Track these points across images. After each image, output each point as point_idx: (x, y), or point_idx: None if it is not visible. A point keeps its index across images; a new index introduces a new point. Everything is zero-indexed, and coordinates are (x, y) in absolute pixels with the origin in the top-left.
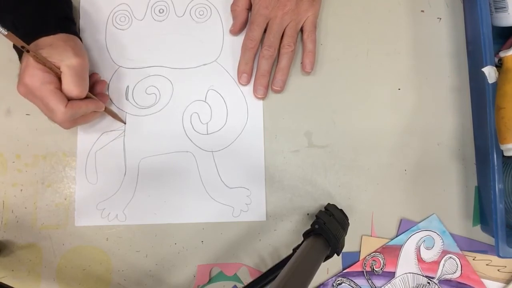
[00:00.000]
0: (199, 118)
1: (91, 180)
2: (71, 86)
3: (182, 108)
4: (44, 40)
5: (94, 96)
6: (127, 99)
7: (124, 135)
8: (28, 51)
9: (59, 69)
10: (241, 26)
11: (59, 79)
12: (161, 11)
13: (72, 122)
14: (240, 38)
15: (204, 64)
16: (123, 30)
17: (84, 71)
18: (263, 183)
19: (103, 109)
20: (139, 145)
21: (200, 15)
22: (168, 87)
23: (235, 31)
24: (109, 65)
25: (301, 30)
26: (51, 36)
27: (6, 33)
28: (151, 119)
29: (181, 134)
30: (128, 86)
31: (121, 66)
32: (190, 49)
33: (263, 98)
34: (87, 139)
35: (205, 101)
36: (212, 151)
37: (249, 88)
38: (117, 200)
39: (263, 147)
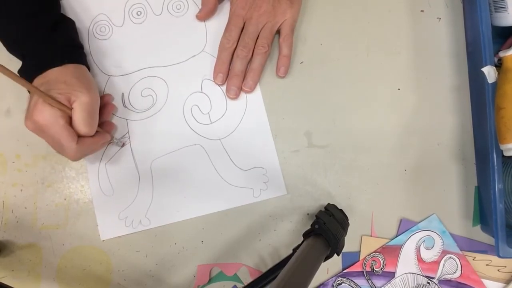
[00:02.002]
0: (199, 109)
1: (107, 192)
2: (81, 124)
3: (181, 103)
4: (53, 73)
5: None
6: (124, 106)
7: (130, 142)
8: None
9: (69, 107)
10: (207, 13)
11: (67, 114)
12: (138, 13)
13: (81, 156)
14: (223, 22)
15: (193, 56)
16: (105, 39)
17: (95, 108)
18: (276, 158)
19: (110, 139)
20: (147, 148)
21: (178, 9)
22: (162, 86)
23: (201, 17)
24: (99, 76)
25: (279, 33)
26: (60, 69)
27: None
28: (153, 120)
29: (186, 129)
30: (123, 94)
31: (111, 76)
32: (175, 44)
33: (235, 98)
34: (94, 154)
35: (201, 92)
36: (219, 139)
37: None
38: (138, 206)
39: (268, 123)
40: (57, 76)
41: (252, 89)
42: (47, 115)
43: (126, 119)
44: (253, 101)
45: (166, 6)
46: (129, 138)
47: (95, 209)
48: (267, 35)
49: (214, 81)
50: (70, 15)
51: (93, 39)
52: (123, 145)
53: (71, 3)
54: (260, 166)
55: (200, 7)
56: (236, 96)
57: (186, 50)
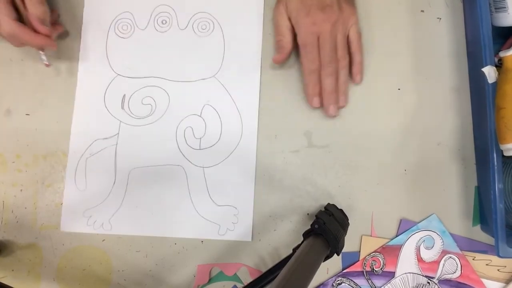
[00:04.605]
0: (193, 132)
1: (80, 186)
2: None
3: (177, 121)
4: None
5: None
6: (122, 108)
7: (116, 144)
8: None
9: None
10: (287, 56)
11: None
12: (164, 22)
13: (18, 43)
14: (242, 57)
15: (202, 79)
16: (124, 38)
17: None
18: (251, 203)
19: (55, 49)
20: (131, 155)
21: (203, 29)
22: (164, 99)
23: (278, 59)
24: (107, 71)
25: (348, 39)
26: None
27: None
28: (145, 130)
29: (174, 148)
30: (124, 95)
31: (119, 74)
32: (189, 63)
33: (336, 115)
34: (80, 144)
35: (200, 116)
36: (203, 167)
37: (246, 107)
38: (104, 209)
39: (255, 168)
40: None
41: (346, 103)
42: None
43: (120, 121)
44: (247, 139)
45: (192, 23)
46: (117, 140)
47: (63, 198)
48: (342, 46)
49: (311, 106)
50: (96, 5)
51: (113, 34)
52: (48, 66)
53: None
54: (234, 206)
55: (224, 32)
56: (336, 113)
57: (198, 71)
